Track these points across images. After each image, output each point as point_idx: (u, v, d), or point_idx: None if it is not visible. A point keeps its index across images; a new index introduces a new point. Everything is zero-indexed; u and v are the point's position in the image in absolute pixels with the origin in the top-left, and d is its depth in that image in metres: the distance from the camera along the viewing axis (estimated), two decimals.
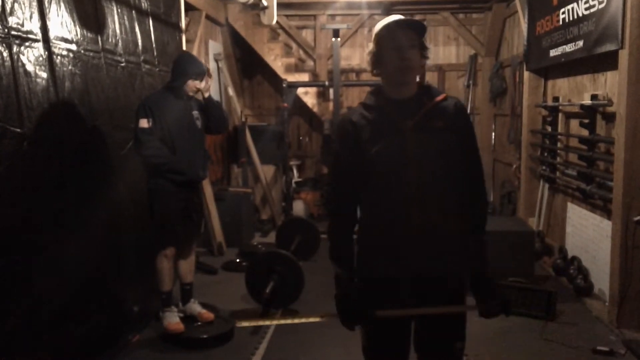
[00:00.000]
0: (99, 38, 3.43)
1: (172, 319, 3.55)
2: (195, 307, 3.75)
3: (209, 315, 3.70)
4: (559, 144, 4.98)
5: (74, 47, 3.12)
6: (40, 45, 2.79)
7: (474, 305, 1.93)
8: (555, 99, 5.03)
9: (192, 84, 3.55)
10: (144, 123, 3.41)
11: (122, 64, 3.73)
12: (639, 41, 3.48)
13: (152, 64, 4.24)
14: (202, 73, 3.60)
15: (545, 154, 5.21)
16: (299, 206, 7.17)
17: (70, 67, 3.06)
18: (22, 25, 2.66)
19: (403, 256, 1.90)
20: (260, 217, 7.02)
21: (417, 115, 1.90)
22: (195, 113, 3.68)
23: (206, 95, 3.65)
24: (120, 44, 3.70)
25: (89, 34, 3.30)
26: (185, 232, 3.67)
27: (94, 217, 3.19)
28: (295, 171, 7.65)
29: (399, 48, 1.89)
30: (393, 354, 2.05)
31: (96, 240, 3.23)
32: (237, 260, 5.29)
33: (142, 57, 4.04)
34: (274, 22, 5.95)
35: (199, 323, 3.67)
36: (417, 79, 2.00)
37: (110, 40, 3.56)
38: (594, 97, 4.15)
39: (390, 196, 1.91)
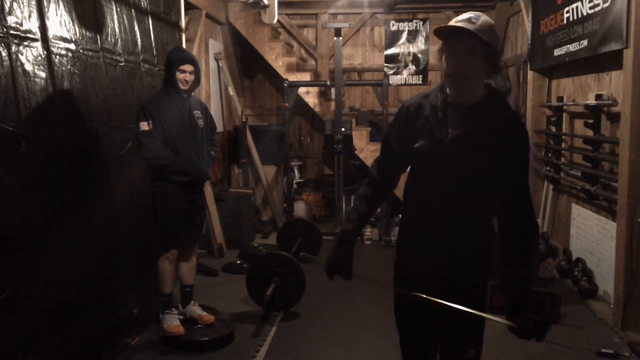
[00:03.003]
0: (98, 37, 3.39)
1: (172, 322, 3.51)
2: (195, 309, 3.71)
3: (209, 317, 3.66)
4: (563, 144, 4.94)
5: (72, 46, 3.07)
6: (39, 44, 2.75)
7: (503, 317, 1.90)
8: (560, 98, 4.99)
9: (181, 76, 3.50)
10: (144, 126, 3.38)
11: (121, 64, 3.68)
12: None
13: (152, 63, 4.19)
14: (184, 58, 3.54)
15: (550, 155, 5.17)
16: (300, 207, 7.13)
17: (69, 67, 3.02)
18: (21, 24, 2.61)
19: (426, 255, 1.97)
20: (261, 218, 6.98)
21: (465, 129, 1.85)
22: (197, 112, 3.64)
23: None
24: (119, 43, 3.66)
25: (87, 33, 3.25)
26: (187, 234, 3.63)
27: (92, 218, 3.15)
28: (296, 172, 7.62)
29: (453, 53, 1.81)
30: (420, 352, 2.14)
31: (95, 242, 3.18)
32: (238, 262, 5.26)
33: (141, 57, 4.00)
34: (275, 21, 5.90)
35: (199, 325, 3.63)
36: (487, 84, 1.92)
37: (109, 39, 3.52)
38: (598, 97, 4.11)
39: (420, 194, 1.98)
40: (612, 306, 3.83)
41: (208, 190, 5.63)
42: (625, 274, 3.62)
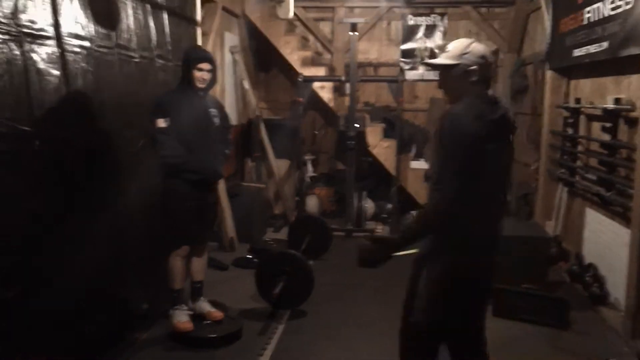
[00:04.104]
0: (113, 34, 3.40)
1: (182, 318, 3.55)
2: (204, 305, 3.74)
3: (217, 314, 3.69)
4: (579, 147, 4.86)
5: (86, 43, 3.08)
6: (52, 42, 2.77)
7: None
8: (577, 100, 4.90)
9: (199, 75, 3.50)
10: (160, 123, 3.40)
11: (136, 60, 3.69)
12: None
13: (166, 59, 4.20)
14: (202, 57, 3.54)
15: (565, 157, 5.10)
16: (312, 202, 7.12)
17: (82, 64, 3.03)
18: (35, 22, 2.63)
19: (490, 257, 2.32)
20: (273, 212, 6.99)
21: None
22: (213, 111, 3.64)
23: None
24: (133, 39, 3.66)
25: (102, 30, 3.26)
26: (198, 231, 3.65)
27: (104, 215, 3.18)
28: (309, 166, 7.60)
29: None
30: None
31: (106, 239, 3.22)
32: (248, 256, 5.28)
33: (156, 52, 4.01)
34: (291, 15, 5.88)
35: (208, 322, 3.66)
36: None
37: (123, 35, 3.53)
38: (616, 100, 4.03)
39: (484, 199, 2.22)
40: (622, 314, 3.77)
41: (221, 184, 5.64)
42: (637, 282, 3.56)
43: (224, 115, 3.80)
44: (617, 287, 3.98)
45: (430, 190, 2.23)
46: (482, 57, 2.24)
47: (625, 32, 3.76)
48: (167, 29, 4.21)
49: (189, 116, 3.48)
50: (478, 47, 2.26)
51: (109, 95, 3.32)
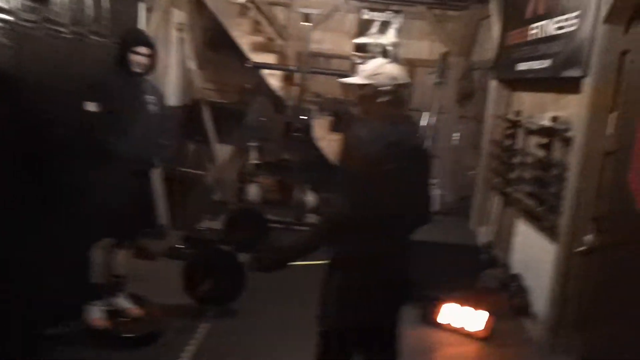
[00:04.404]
0: (41, 6, 3.15)
1: (99, 314, 3.40)
2: (124, 301, 3.59)
3: (137, 311, 3.56)
4: (516, 159, 4.93)
5: (8, 17, 2.85)
6: None
7: None
8: (518, 112, 4.97)
9: (135, 59, 3.32)
10: (91, 106, 3.22)
11: (67, 36, 3.45)
12: (604, 71, 3.41)
13: (104, 36, 3.94)
14: (140, 40, 3.39)
15: (502, 167, 5.17)
16: (253, 190, 6.99)
17: (2, 40, 2.80)
18: None
19: None
20: (212, 199, 6.83)
21: None
22: (150, 97, 3.47)
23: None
24: (65, 12, 3.41)
25: (27, 2, 3.02)
26: (124, 224, 3.49)
27: (27, 199, 2.99)
28: (254, 153, 7.45)
29: None
30: None
31: (26, 229, 3.02)
32: (180, 246, 5.12)
33: (90, 28, 3.76)
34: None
35: (126, 319, 3.51)
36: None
37: (53, 8, 3.28)
38: (554, 118, 4.10)
39: None
40: (543, 327, 3.86)
41: (157, 169, 5.45)
42: (559, 298, 3.65)
43: (162, 103, 3.64)
44: (540, 300, 4.07)
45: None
46: (394, 78, 2.30)
47: (567, 53, 3.81)
48: (105, 2, 3.96)
49: (122, 101, 3.31)
50: (391, 69, 2.33)
51: (33, 74, 3.09)
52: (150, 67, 3.44)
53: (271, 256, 2.36)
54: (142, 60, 3.35)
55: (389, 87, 2.27)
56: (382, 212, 2.18)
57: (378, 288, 2.30)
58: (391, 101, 2.29)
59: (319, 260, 2.29)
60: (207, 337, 3.58)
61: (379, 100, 2.28)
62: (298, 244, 2.31)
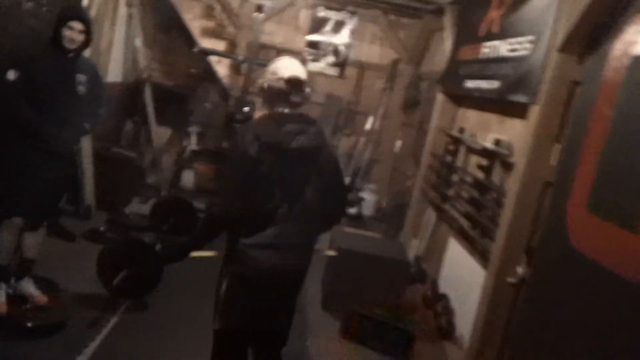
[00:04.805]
0: None
1: None
2: (28, 286, 3.31)
3: (41, 298, 3.29)
4: (454, 177, 4.90)
5: None
6: None
7: None
8: (462, 130, 4.96)
9: (68, 34, 3.07)
10: (10, 75, 2.97)
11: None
12: (553, 101, 3.36)
13: (39, 2, 3.63)
14: (74, 14, 3.16)
15: (440, 182, 5.15)
16: (189, 177, 6.74)
17: None
18: None
19: None
20: (146, 181, 6.51)
21: None
22: (81, 77, 3.22)
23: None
24: None
25: None
26: (37, 203, 3.21)
27: None
28: (193, 139, 7.17)
29: None
30: None
31: None
32: (102, 228, 4.82)
33: None
34: None
35: (29, 306, 3.23)
36: None
37: None
38: (497, 141, 4.08)
39: None
40: (465, 352, 3.80)
41: (86, 145, 5.11)
42: (484, 326, 3.56)
43: (96, 85, 3.37)
44: (465, 323, 4.00)
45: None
46: (274, 73, 2.33)
47: (517, 76, 3.77)
48: None
49: (47, 76, 3.07)
50: (278, 65, 2.35)
51: None
52: (84, 44, 3.20)
53: (171, 247, 2.41)
54: (76, 36, 3.12)
55: (267, 84, 2.30)
56: (250, 210, 2.23)
57: (266, 281, 2.33)
58: (274, 98, 2.31)
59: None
60: (113, 332, 3.34)
61: (265, 95, 2.35)
62: (193, 236, 2.40)
